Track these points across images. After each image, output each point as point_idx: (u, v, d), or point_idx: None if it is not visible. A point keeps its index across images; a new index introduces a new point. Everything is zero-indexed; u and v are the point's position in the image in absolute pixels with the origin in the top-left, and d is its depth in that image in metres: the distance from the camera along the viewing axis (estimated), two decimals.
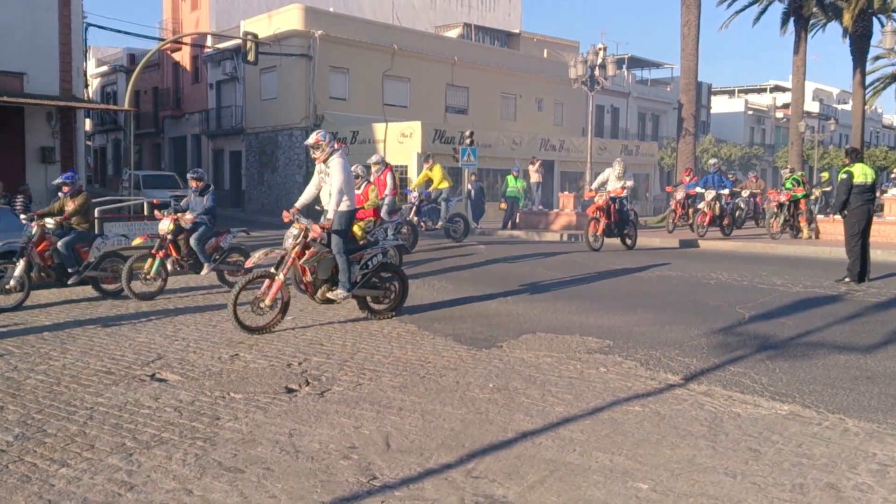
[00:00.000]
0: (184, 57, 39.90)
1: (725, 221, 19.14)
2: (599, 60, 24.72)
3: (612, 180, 15.73)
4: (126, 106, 23.03)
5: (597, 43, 25.53)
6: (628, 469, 4.06)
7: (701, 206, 18.91)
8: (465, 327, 8.01)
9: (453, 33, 41.24)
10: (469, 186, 24.60)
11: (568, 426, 4.77)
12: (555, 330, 7.80)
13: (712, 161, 20.87)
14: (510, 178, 23.94)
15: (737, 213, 21.00)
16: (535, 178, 25.95)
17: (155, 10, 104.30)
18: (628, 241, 16.32)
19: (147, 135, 42.32)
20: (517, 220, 24.46)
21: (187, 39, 34.83)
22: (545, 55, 41.88)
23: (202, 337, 7.70)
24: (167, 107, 41.55)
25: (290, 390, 5.65)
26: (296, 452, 4.35)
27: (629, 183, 16.04)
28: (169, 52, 39.33)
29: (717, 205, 18.87)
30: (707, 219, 18.68)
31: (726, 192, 19.63)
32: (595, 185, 16.31)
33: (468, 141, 23.97)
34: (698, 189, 19.62)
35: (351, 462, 4.19)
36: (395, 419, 4.94)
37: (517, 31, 45.18)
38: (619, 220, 15.86)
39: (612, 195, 15.55)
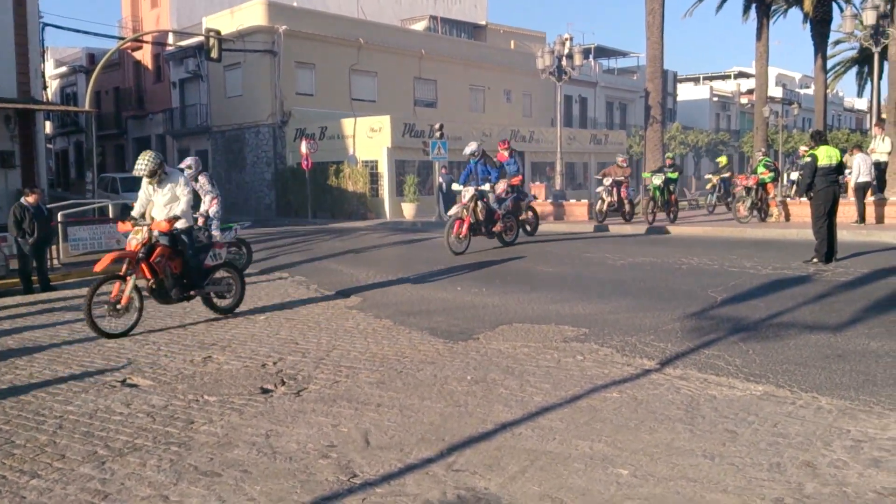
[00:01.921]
0: (145, 55, 39.32)
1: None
2: (566, 51, 24.79)
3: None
4: (87, 107, 22.65)
5: (563, 33, 25.71)
6: (608, 455, 4.07)
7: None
8: (441, 320, 7.99)
9: (419, 26, 41.09)
10: (440, 179, 24.59)
11: (547, 415, 4.76)
12: (530, 320, 7.81)
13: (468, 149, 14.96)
14: None
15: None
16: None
17: (114, 9, 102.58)
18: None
19: (110, 136, 41.64)
20: None
21: (148, 38, 34.33)
22: (512, 46, 41.93)
23: (173, 340, 7.59)
24: (129, 107, 40.91)
25: (265, 391, 5.59)
26: (273, 453, 4.30)
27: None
28: (129, 50, 38.72)
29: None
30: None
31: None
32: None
33: (438, 134, 23.96)
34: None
35: (330, 461, 4.15)
36: (373, 416, 4.90)
37: (483, 22, 45.15)
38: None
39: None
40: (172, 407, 5.25)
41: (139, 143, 41.45)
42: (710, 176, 25.23)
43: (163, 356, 6.85)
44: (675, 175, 20.56)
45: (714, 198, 23.88)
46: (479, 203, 13.72)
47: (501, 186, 14.49)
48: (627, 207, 20.08)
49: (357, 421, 4.80)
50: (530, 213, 16.09)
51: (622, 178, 19.83)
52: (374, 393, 5.41)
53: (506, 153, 15.46)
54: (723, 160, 24.91)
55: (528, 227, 15.90)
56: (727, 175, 24.09)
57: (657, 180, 19.57)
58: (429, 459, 4.12)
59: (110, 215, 16.45)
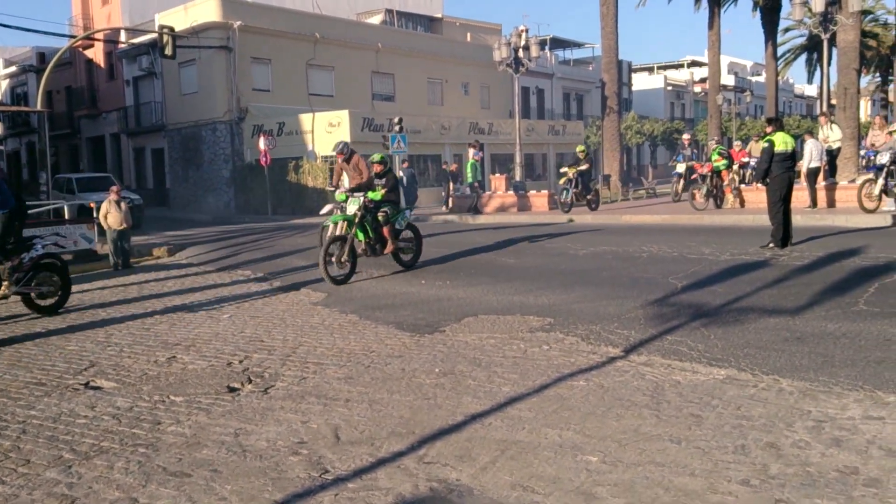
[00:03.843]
0: (97, 54, 38.54)
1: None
2: (522, 42, 24.90)
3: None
4: (38, 107, 22.17)
5: (519, 25, 25.60)
6: (577, 443, 4.12)
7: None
8: (407, 314, 7.99)
9: (375, 20, 40.91)
10: (401, 173, 24.53)
11: (516, 405, 4.81)
12: (496, 311, 7.85)
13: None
14: (472, 164, 23.79)
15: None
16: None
17: (64, 7, 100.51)
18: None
19: (63, 136, 40.76)
20: (451, 204, 24.58)
21: (100, 36, 33.64)
22: (468, 39, 41.97)
23: (136, 341, 7.48)
24: (82, 106, 40.09)
25: (232, 389, 5.54)
26: (243, 452, 4.27)
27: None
28: (81, 49, 37.93)
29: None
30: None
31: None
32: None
33: (397, 128, 23.90)
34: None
35: (301, 457, 4.14)
36: (342, 411, 4.89)
37: (439, 15, 45.13)
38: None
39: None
40: (138, 408, 5.19)
41: (93, 143, 40.71)
42: (565, 169, 21.36)
43: (126, 357, 6.75)
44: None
45: (569, 195, 20.21)
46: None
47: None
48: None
49: (326, 417, 4.79)
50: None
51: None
52: (343, 388, 5.40)
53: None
54: (580, 149, 21.88)
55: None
56: (585, 168, 20.73)
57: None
58: (400, 453, 4.13)
59: (66, 216, 16.13)
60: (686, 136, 23.97)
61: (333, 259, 10.25)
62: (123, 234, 13.95)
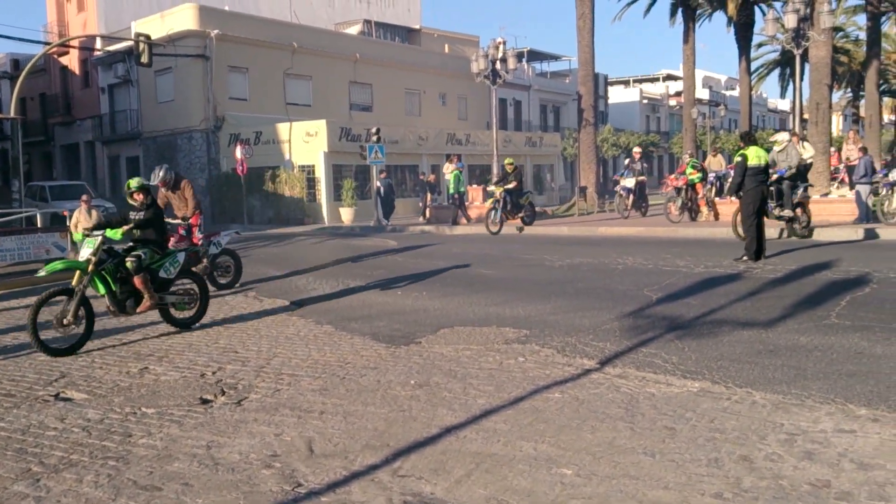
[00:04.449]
0: (72, 61, 38.17)
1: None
2: (500, 54, 25.01)
3: None
4: (12, 114, 21.89)
5: (496, 37, 25.76)
6: (552, 456, 4.12)
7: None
8: (383, 325, 7.97)
9: (353, 30, 40.94)
10: (378, 184, 24.52)
11: (491, 417, 4.80)
12: (472, 323, 7.85)
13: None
14: (455, 174, 23.63)
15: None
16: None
17: (39, 14, 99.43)
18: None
19: (36, 143, 40.26)
20: (429, 215, 24.60)
21: (75, 42, 33.32)
22: (446, 50, 42.11)
23: (108, 352, 7.38)
24: (56, 113, 39.65)
25: (205, 401, 5.48)
26: (215, 465, 4.22)
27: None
28: (56, 55, 37.53)
29: None
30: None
31: None
32: None
33: (375, 138, 23.89)
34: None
35: (274, 471, 4.10)
36: (316, 423, 4.86)
37: (417, 26, 45.27)
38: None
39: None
40: (109, 420, 5.11)
41: (66, 150, 40.26)
42: (492, 188, 19.99)
43: (97, 368, 6.66)
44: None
45: (497, 215, 19.03)
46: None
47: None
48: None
49: (300, 429, 4.75)
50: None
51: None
52: (317, 400, 5.36)
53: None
54: (509, 162, 20.22)
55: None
56: (512, 186, 19.13)
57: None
58: (374, 466, 4.10)
59: (39, 224, 15.92)
60: (637, 150, 23.17)
61: (57, 320, 7.38)
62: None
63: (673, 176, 20.67)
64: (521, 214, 19.56)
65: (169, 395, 5.66)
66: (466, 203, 25.13)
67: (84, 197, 14.41)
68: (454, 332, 7.43)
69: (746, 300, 8.28)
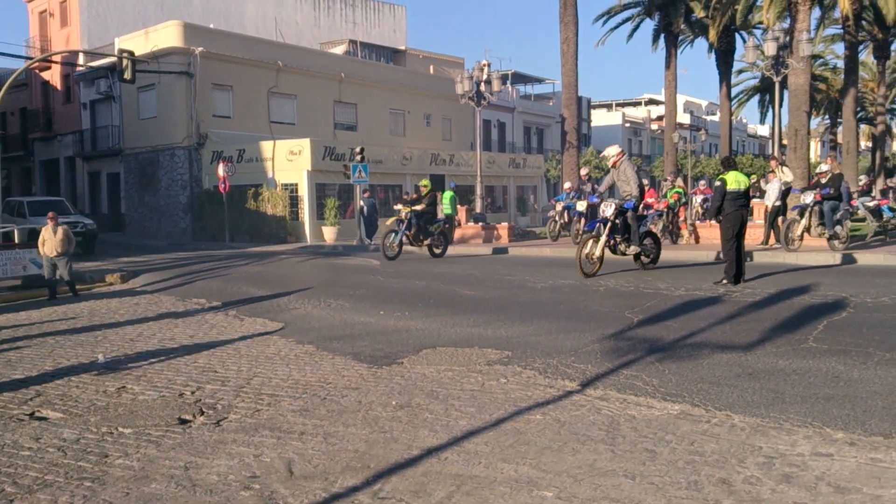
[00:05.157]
0: (54, 76, 38.01)
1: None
2: (485, 76, 25.24)
3: None
4: None
5: (481, 59, 26.01)
6: (533, 478, 4.12)
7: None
8: (365, 345, 7.94)
9: (339, 50, 41.10)
10: (361, 203, 24.53)
11: (472, 439, 4.79)
12: (454, 343, 7.84)
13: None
14: (450, 195, 23.51)
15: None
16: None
17: (21, 28, 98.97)
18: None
19: (15, 158, 39.95)
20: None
21: (57, 58, 33.20)
22: (431, 71, 42.36)
23: (85, 370, 7.30)
24: (37, 128, 39.40)
25: (183, 421, 5.43)
26: (193, 486, 4.17)
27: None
28: (37, 70, 37.39)
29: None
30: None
31: None
32: None
33: (359, 157, 23.95)
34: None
35: (252, 492, 4.06)
36: (296, 444, 4.82)
37: (403, 47, 45.57)
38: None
39: None
40: (85, 440, 5.05)
41: (46, 166, 39.98)
42: (399, 207, 18.40)
43: (74, 387, 6.58)
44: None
45: (398, 238, 17.40)
46: None
47: None
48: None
49: (280, 450, 4.72)
50: None
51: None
52: (297, 421, 5.32)
53: None
54: (424, 184, 18.38)
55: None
56: (420, 208, 17.52)
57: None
58: (354, 488, 4.08)
59: (16, 240, 15.75)
60: (584, 172, 22.40)
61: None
62: (60, 260, 13.56)
63: (655, 199, 20.78)
64: (427, 242, 17.84)
65: (146, 415, 5.60)
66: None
67: (50, 214, 14.08)
68: (436, 353, 7.42)
69: (726, 323, 8.34)
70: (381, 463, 4.43)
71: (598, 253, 12.47)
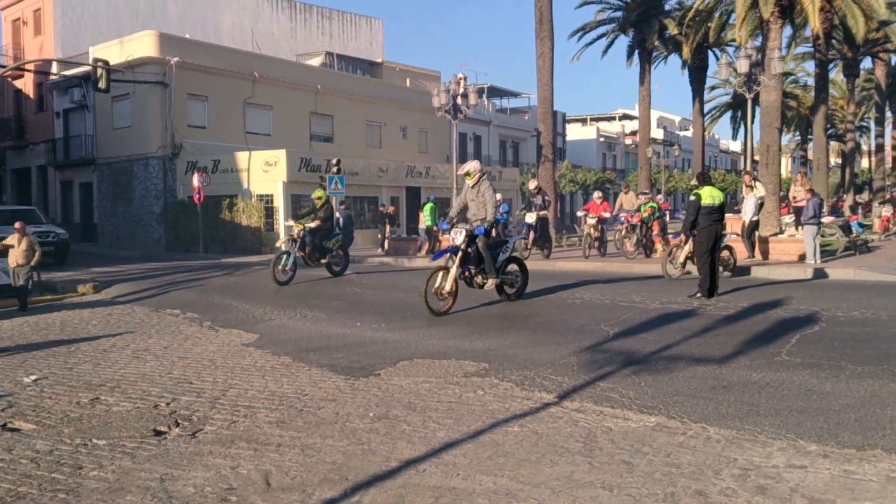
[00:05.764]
0: (27, 84, 37.57)
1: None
2: (461, 90, 25.32)
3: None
4: None
5: (457, 73, 26.10)
6: (511, 490, 4.13)
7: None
8: (341, 356, 7.92)
9: (315, 62, 41.06)
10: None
11: (450, 451, 4.79)
12: (431, 355, 7.84)
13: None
14: (431, 206, 23.57)
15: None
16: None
17: None
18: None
19: None
20: (387, 247, 24.57)
21: (30, 66, 32.83)
22: (408, 84, 42.46)
23: (58, 381, 7.20)
24: (8, 137, 38.88)
25: (158, 433, 5.38)
26: (169, 498, 4.13)
27: None
28: (10, 79, 36.89)
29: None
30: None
31: None
32: None
33: (335, 169, 23.89)
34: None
35: None
36: (273, 456, 4.79)
37: (379, 60, 45.66)
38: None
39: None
40: (59, 452, 4.98)
41: (18, 175, 39.45)
42: (290, 223, 16.64)
43: (47, 398, 6.49)
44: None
45: (290, 259, 15.11)
46: None
47: None
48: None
49: (257, 462, 4.68)
50: None
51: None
52: (274, 433, 5.29)
53: None
54: (318, 195, 16.63)
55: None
56: (315, 225, 15.63)
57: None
58: (332, 500, 4.06)
59: None
60: (533, 183, 21.00)
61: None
62: (21, 269, 13.36)
63: (629, 213, 20.91)
64: (324, 261, 15.99)
65: (121, 427, 5.54)
66: (416, 237, 25.18)
67: (17, 224, 13.85)
68: (413, 365, 7.41)
69: (700, 336, 8.43)
70: (359, 475, 4.41)
71: (448, 287, 10.58)
